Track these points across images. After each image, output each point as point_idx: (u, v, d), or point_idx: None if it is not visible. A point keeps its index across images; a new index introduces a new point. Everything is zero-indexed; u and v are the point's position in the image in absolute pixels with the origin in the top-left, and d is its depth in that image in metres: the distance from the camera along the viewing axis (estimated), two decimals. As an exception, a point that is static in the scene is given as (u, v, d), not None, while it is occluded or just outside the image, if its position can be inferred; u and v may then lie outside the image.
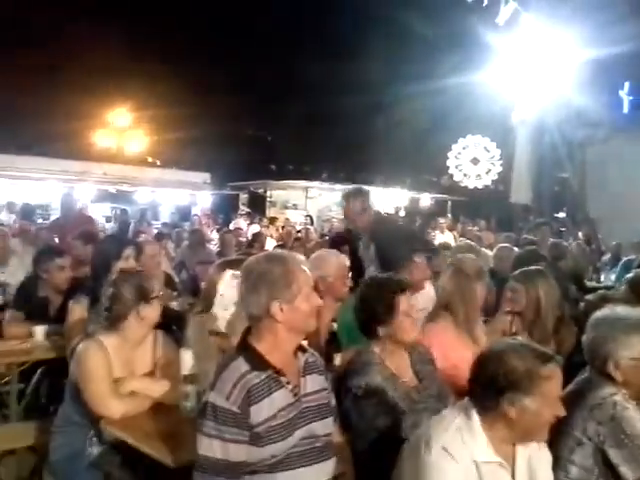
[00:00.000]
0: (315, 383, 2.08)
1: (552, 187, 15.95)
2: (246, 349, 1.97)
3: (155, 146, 22.16)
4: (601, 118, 13.12)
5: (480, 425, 1.83)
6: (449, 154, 24.41)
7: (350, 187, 4.85)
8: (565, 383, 2.07)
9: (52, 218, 12.48)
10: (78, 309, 3.50)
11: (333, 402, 2.19)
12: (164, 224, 13.94)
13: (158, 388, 2.70)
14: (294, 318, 1.96)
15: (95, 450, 2.64)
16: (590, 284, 6.87)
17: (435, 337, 3.02)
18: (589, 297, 3.16)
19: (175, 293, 4.72)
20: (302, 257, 2.13)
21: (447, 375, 2.75)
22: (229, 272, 3.06)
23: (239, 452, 1.85)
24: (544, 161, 14.82)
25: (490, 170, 24.29)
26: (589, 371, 2.34)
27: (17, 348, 3.74)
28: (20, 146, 15.99)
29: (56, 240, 6.44)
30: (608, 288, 6.52)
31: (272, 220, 15.81)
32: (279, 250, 2.20)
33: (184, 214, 17.18)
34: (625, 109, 13.90)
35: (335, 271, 3.46)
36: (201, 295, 3.28)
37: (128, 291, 2.75)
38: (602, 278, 8.10)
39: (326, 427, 2.06)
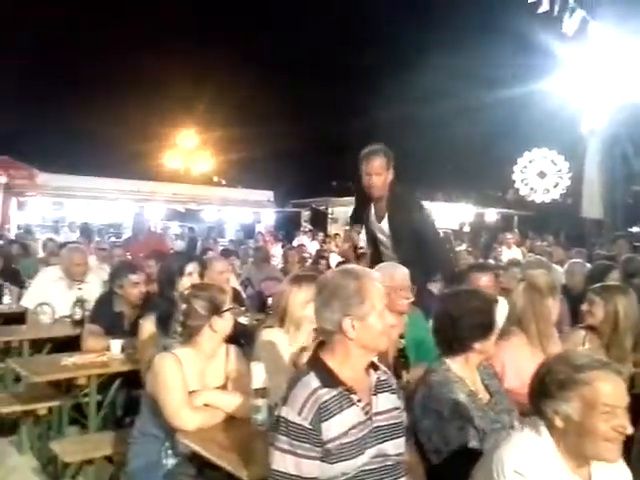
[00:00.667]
0: (387, 402, 2.05)
1: (625, 200, 15.29)
2: (317, 365, 1.97)
3: (221, 166, 22.78)
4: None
5: (550, 441, 1.75)
6: (515, 168, 23.84)
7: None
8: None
9: (124, 237, 13.06)
10: (147, 325, 3.61)
11: (405, 421, 2.15)
12: (230, 241, 14.28)
13: (230, 401, 2.74)
14: (366, 335, 1.94)
15: (170, 461, 2.72)
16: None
17: (508, 355, 2.95)
18: None
19: (243, 308, 4.82)
20: (377, 273, 2.11)
21: (520, 394, 2.67)
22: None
23: (311, 468, 1.85)
24: (616, 173, 14.25)
25: (558, 184, 23.57)
26: None
27: (95, 361, 3.88)
28: (95, 168, 16.80)
29: (129, 257, 6.69)
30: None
31: (334, 236, 15.88)
32: (354, 265, 2.20)
33: (248, 231, 17.52)
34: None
35: (398, 284, 3.42)
36: (272, 309, 3.32)
37: (200, 305, 2.82)
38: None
39: (398, 447, 2.03)
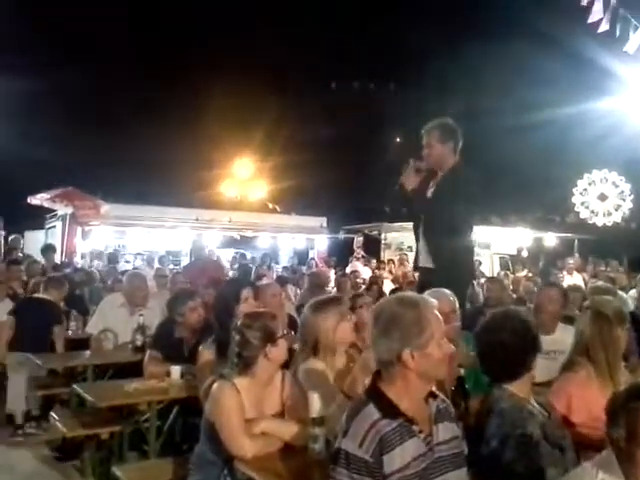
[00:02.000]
0: (447, 431, 2.03)
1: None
2: (376, 395, 1.96)
3: (275, 193, 23.16)
4: None
5: (621, 476, 1.68)
6: (574, 190, 23.19)
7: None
8: None
9: (182, 263, 13.39)
10: (206, 353, 3.68)
11: (466, 451, 2.12)
12: (284, 268, 14.41)
13: (288, 429, 2.75)
14: (426, 365, 1.93)
15: (230, 488, 2.74)
16: None
17: (575, 387, 2.85)
18: None
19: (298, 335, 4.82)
20: (435, 301, 2.10)
21: (591, 428, 2.57)
22: None
23: None
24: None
25: (620, 206, 22.77)
26: None
27: (156, 386, 3.97)
28: (156, 197, 17.35)
29: (188, 284, 6.85)
30: None
31: (387, 262, 15.79)
32: (411, 293, 2.20)
33: (301, 258, 17.62)
34: None
35: (446, 308, 3.37)
36: (301, 341, 3.33)
37: (254, 335, 2.84)
38: None
39: (460, 477, 2.00)
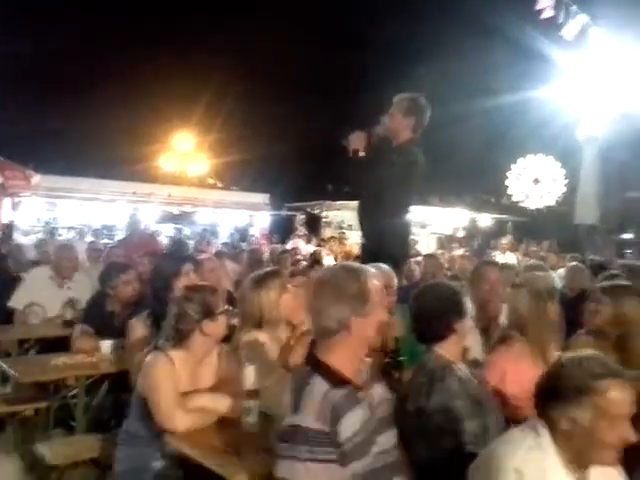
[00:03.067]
0: (380, 393, 2.10)
1: (619, 207, 15.33)
2: (320, 366, 1.96)
3: (216, 168, 22.73)
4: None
5: (551, 443, 1.74)
6: (509, 174, 23.86)
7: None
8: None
9: (118, 238, 13.00)
10: (138, 327, 3.56)
11: (392, 412, 2.16)
12: (224, 244, 14.22)
13: (222, 403, 2.71)
14: (367, 332, 1.98)
15: (159, 464, 2.67)
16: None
17: (511, 362, 2.92)
18: None
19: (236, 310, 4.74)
20: (375, 271, 2.17)
21: (523, 401, 2.63)
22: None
23: (334, 472, 1.84)
24: (611, 179, 14.28)
25: (552, 191, 23.60)
26: None
27: (84, 361, 3.83)
28: (91, 170, 16.74)
29: (123, 258, 6.63)
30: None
31: (328, 240, 15.84)
32: (353, 263, 2.21)
33: (243, 234, 17.47)
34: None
35: (384, 283, 3.39)
36: (242, 314, 3.28)
37: (192, 309, 2.78)
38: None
39: (393, 437, 2.07)
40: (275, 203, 19.65)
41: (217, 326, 2.84)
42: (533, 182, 23.99)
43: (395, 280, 3.51)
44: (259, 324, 3.18)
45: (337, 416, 1.85)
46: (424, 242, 18.57)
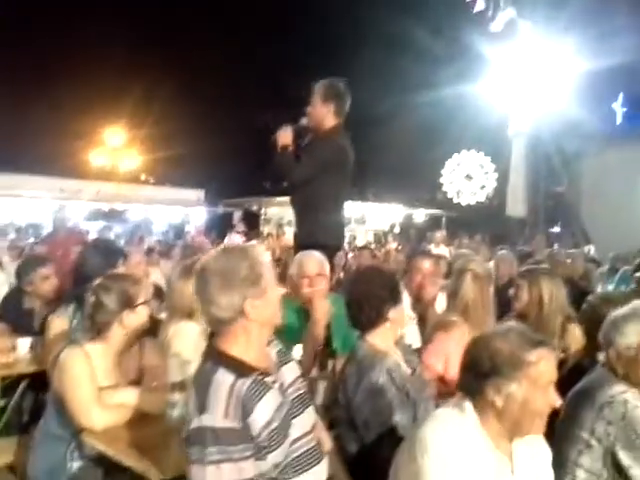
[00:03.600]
0: (291, 372, 1.99)
1: (547, 201, 15.92)
2: (222, 357, 1.83)
3: (149, 164, 22.16)
4: (595, 130, 13.10)
5: (476, 419, 1.72)
6: (443, 171, 24.42)
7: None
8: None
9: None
10: (58, 321, 3.37)
11: (307, 389, 2.09)
12: (157, 241, 13.84)
13: (144, 397, 2.57)
14: (266, 312, 1.86)
15: (75, 464, 2.51)
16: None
17: (452, 346, 2.92)
18: (590, 298, 3.07)
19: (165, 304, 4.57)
20: (260, 246, 2.02)
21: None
22: None
23: (251, 468, 1.73)
24: (539, 173, 14.81)
25: (484, 186, 24.31)
26: (599, 369, 2.23)
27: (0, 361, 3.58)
28: (17, 165, 15.94)
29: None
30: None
31: (266, 236, 15.72)
32: (234, 244, 2.08)
33: (178, 232, 17.08)
34: (618, 121, 13.90)
35: (305, 271, 3.29)
36: (170, 305, 3.14)
37: (110, 299, 2.63)
38: (599, 290, 7.98)
39: (311, 416, 1.98)
40: (211, 199, 19.32)
41: (138, 317, 2.69)
42: (466, 178, 24.63)
43: (327, 267, 3.43)
44: (189, 315, 3.04)
45: (247, 408, 1.74)
46: (362, 237, 18.73)
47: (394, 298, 2.45)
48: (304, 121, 4.07)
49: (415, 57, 19.43)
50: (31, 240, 12.53)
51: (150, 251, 8.60)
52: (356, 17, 21.23)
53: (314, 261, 3.36)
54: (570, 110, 12.52)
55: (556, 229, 17.40)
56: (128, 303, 2.65)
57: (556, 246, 13.26)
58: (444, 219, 22.93)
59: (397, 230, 21.79)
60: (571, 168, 14.28)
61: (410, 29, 17.42)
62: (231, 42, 23.04)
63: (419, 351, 3.73)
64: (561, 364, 3.07)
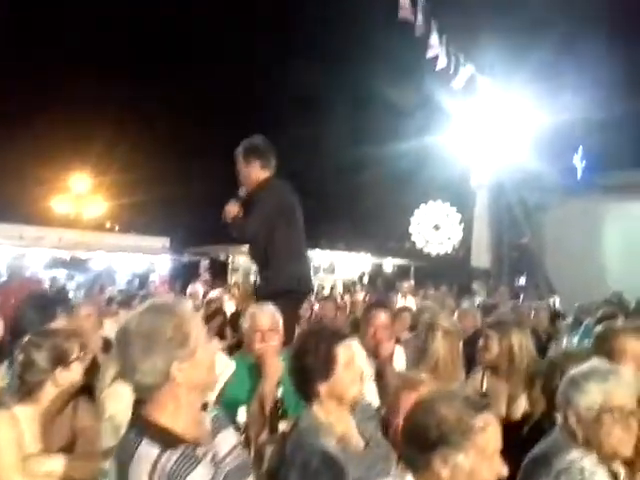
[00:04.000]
0: (228, 441, 1.82)
1: (511, 253, 16.11)
2: (147, 427, 1.64)
3: (114, 210, 21.85)
4: (556, 182, 13.43)
5: None
6: (412, 219, 24.69)
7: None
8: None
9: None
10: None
11: (248, 458, 1.95)
12: (120, 291, 13.46)
13: (74, 466, 2.37)
14: (196, 375, 1.69)
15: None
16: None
17: None
18: (551, 355, 3.03)
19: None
20: (187, 302, 1.87)
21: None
22: None
23: None
24: (502, 224, 15.03)
25: (450, 237, 24.59)
26: (556, 432, 2.12)
27: None
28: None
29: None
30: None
31: (233, 285, 15.43)
32: (162, 300, 1.89)
33: (142, 281, 16.68)
34: (579, 174, 14.29)
35: (258, 325, 3.18)
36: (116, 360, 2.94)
37: (42, 356, 2.45)
38: (564, 343, 7.95)
39: None
40: (176, 247, 19.02)
41: (72, 375, 2.51)
42: (434, 228, 24.88)
43: (280, 321, 3.28)
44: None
45: None
46: (330, 286, 18.58)
47: (325, 372, 2.23)
48: (242, 191, 4.18)
49: (382, 110, 19.89)
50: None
51: (110, 301, 8.32)
52: (327, 76, 21.78)
53: (267, 315, 3.22)
54: (530, 163, 12.85)
55: (521, 281, 17.55)
56: (61, 360, 2.47)
57: (522, 297, 13.45)
58: (412, 268, 23.00)
59: (366, 280, 21.75)
60: (533, 219, 14.54)
61: (377, 84, 17.92)
62: (198, 87, 23.26)
63: (379, 410, 3.59)
64: (528, 418, 2.99)
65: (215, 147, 22.69)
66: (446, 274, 19.50)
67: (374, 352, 3.83)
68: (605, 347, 2.87)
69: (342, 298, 13.87)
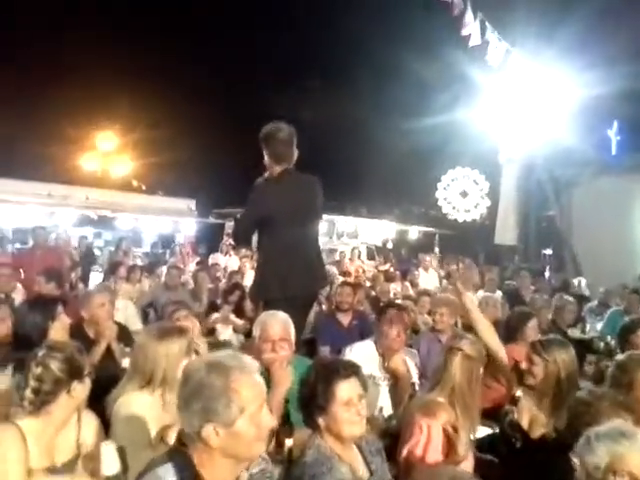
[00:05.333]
0: None
1: (539, 225, 15.81)
2: (180, 457, 1.62)
3: (141, 169, 21.89)
4: (589, 158, 13.00)
5: None
6: (438, 185, 24.31)
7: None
8: None
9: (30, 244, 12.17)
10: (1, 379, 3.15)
11: None
12: (145, 254, 13.64)
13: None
14: (235, 444, 1.60)
15: None
16: (573, 334, 6.59)
17: (435, 435, 2.74)
18: (580, 393, 2.93)
19: (128, 349, 4.27)
20: (256, 364, 1.76)
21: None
22: None
23: None
24: (531, 200, 14.70)
25: (479, 204, 24.17)
26: None
27: None
28: (3, 169, 15.69)
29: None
30: (592, 340, 6.31)
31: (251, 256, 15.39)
32: (229, 353, 1.81)
33: (167, 242, 16.82)
34: (613, 150, 13.80)
35: (268, 334, 3.12)
36: (134, 364, 2.87)
37: (60, 368, 2.44)
38: (587, 327, 7.80)
39: None
40: (202, 209, 19.05)
41: (84, 389, 2.50)
42: (460, 195, 24.47)
43: (292, 329, 3.23)
44: (148, 382, 2.77)
45: None
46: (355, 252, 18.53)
47: (323, 407, 2.24)
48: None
49: (412, 84, 19.51)
50: (17, 245, 12.41)
51: (132, 268, 8.40)
52: (354, 44, 21.31)
53: (278, 324, 3.16)
54: (563, 138, 12.45)
55: (548, 251, 17.27)
56: (77, 373, 2.46)
57: (547, 270, 13.27)
58: (437, 237, 22.82)
59: (390, 246, 21.64)
60: (563, 195, 14.18)
61: (408, 60, 17.55)
62: (230, 46, 22.96)
63: (390, 419, 3.58)
64: (546, 440, 2.91)
65: (244, 109, 22.58)
66: (472, 244, 19.32)
67: (387, 360, 3.83)
68: (625, 379, 2.80)
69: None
